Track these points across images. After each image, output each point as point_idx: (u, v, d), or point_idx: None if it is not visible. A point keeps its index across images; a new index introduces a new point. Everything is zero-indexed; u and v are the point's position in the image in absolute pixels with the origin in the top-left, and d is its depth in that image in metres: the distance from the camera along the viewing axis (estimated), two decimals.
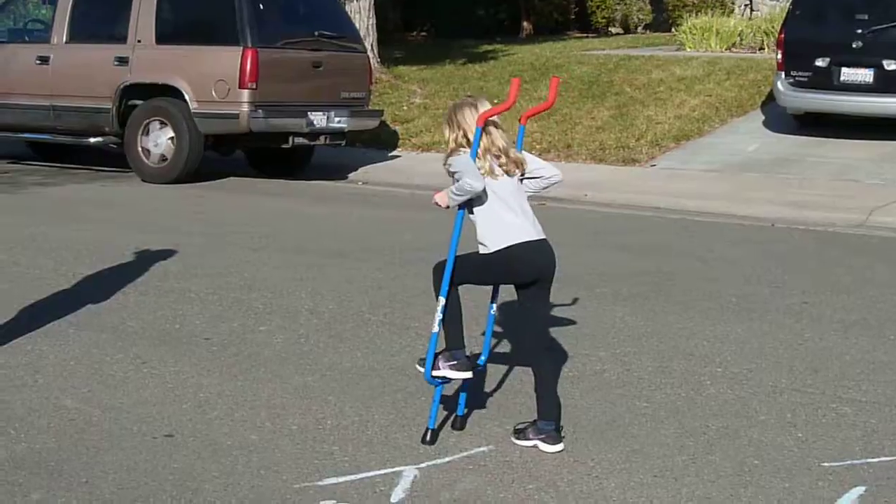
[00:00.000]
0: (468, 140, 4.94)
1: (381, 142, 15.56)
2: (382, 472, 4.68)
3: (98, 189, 12.41)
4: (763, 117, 15.94)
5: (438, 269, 5.05)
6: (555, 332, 6.82)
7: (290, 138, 12.87)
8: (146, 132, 12.85)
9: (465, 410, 5.25)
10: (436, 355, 5.04)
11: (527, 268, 4.98)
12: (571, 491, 4.53)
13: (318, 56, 13.10)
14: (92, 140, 13.36)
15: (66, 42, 13.42)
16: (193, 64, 12.67)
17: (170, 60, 12.76)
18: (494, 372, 6.01)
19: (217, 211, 11.16)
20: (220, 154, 13.70)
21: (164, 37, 12.91)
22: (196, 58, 12.70)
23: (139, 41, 12.92)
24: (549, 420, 5.00)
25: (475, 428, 5.19)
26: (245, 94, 12.33)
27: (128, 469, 4.63)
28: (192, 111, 12.51)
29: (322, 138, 13.19)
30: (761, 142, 14.97)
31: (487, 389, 5.73)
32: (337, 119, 13.12)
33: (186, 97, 12.53)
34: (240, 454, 4.83)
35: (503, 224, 4.93)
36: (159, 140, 12.80)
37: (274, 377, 5.87)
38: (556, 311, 7.28)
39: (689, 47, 20.44)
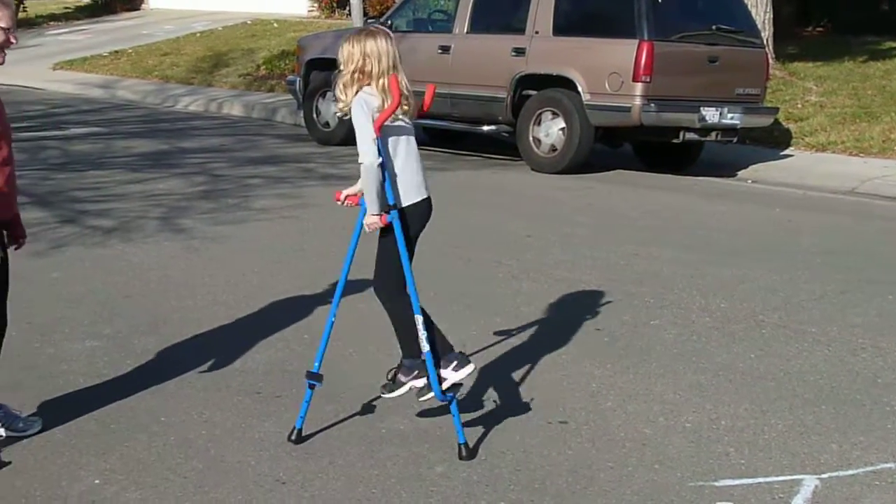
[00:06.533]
0: (364, 73, 4.49)
1: (773, 140, 15.09)
2: (781, 478, 4.53)
3: (490, 176, 12.75)
4: None
5: (386, 291, 4.79)
6: None
7: (681, 133, 12.71)
8: (538, 122, 13.06)
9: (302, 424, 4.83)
10: (397, 371, 4.85)
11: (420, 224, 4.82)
12: None
13: (714, 50, 12.84)
14: (485, 128, 13.73)
15: (466, 32, 13.87)
16: (588, 56, 12.74)
17: (565, 52, 12.91)
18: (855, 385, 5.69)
19: (605, 203, 11.20)
20: (607, 146, 13.74)
21: (560, 29, 13.07)
22: (591, 50, 12.76)
23: (537, 32, 13.16)
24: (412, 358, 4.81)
25: (881, 442, 4.93)
26: (638, 87, 12.26)
27: (524, 451, 4.73)
28: (585, 103, 12.59)
29: (713, 134, 12.95)
30: None
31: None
32: (730, 115, 12.83)
33: (579, 89, 12.63)
34: (633, 447, 4.82)
35: (412, 174, 4.74)
36: (550, 130, 12.98)
37: (666, 372, 5.82)
38: None
39: None
